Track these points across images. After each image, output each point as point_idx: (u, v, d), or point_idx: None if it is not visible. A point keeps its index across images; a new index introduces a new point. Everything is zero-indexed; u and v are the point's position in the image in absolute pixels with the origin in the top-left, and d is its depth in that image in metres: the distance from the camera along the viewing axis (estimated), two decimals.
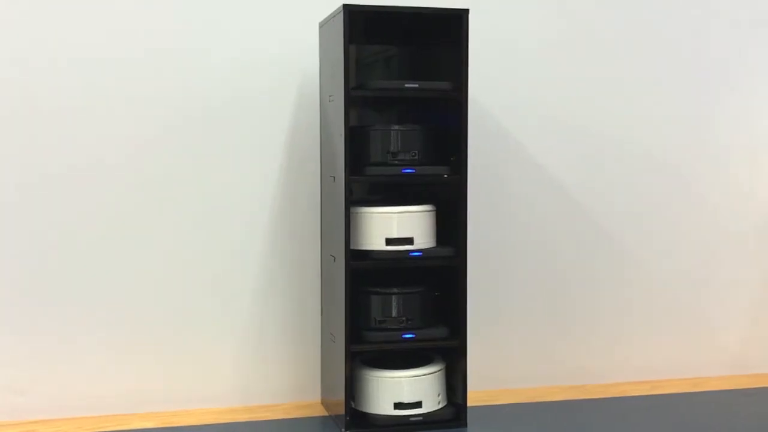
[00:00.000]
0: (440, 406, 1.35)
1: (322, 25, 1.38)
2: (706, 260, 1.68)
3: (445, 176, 1.32)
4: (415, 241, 1.31)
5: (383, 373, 1.33)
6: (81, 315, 1.41)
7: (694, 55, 1.64)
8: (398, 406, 1.32)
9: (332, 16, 1.30)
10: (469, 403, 1.35)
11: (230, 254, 1.46)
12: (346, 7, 1.24)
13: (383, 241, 1.30)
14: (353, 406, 1.33)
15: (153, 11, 1.41)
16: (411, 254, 1.31)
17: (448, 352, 1.37)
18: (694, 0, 1.63)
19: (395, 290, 1.33)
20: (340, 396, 1.31)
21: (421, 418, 1.32)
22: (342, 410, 1.30)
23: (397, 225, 1.31)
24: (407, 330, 1.32)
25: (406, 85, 1.28)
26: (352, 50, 1.26)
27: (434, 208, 1.34)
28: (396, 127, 1.32)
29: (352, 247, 1.29)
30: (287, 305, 1.49)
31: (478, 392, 1.46)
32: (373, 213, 1.30)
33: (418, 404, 1.32)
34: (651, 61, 1.62)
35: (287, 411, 1.44)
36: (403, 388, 1.32)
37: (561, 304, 1.62)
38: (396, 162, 1.31)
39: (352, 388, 1.32)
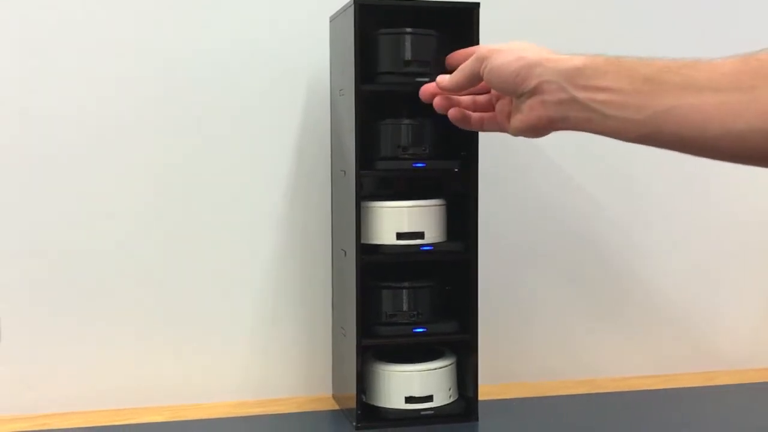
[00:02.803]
0: (451, 400, 1.35)
1: (333, 19, 1.38)
2: (717, 254, 1.67)
3: (456, 170, 1.32)
4: (426, 236, 1.31)
5: (394, 367, 1.33)
6: (92, 308, 1.41)
7: (709, 50, 1.63)
8: (409, 400, 1.32)
9: (343, 9, 1.30)
10: (480, 397, 1.34)
11: (240, 249, 1.46)
12: (357, 1, 1.23)
13: (394, 236, 1.30)
14: (364, 400, 1.33)
15: (158, 6, 1.41)
16: (422, 248, 1.30)
17: (459, 346, 1.37)
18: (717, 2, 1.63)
19: (406, 284, 1.32)
20: (352, 390, 1.31)
21: (432, 412, 1.32)
22: (353, 404, 1.30)
23: (407, 219, 1.30)
24: (418, 324, 1.32)
25: (417, 80, 1.27)
26: (363, 44, 1.26)
27: (445, 203, 1.34)
28: (407, 121, 1.31)
29: (362, 242, 1.29)
30: (298, 299, 1.49)
31: (489, 386, 1.46)
32: (383, 207, 1.30)
33: (429, 398, 1.32)
34: (669, 56, 1.61)
35: (299, 405, 1.44)
36: (414, 382, 1.32)
37: (572, 298, 1.61)
38: (406, 156, 1.31)
39: (363, 382, 1.32)
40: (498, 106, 0.91)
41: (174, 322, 1.44)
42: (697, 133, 0.68)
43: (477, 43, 1.26)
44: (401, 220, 1.30)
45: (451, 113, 0.95)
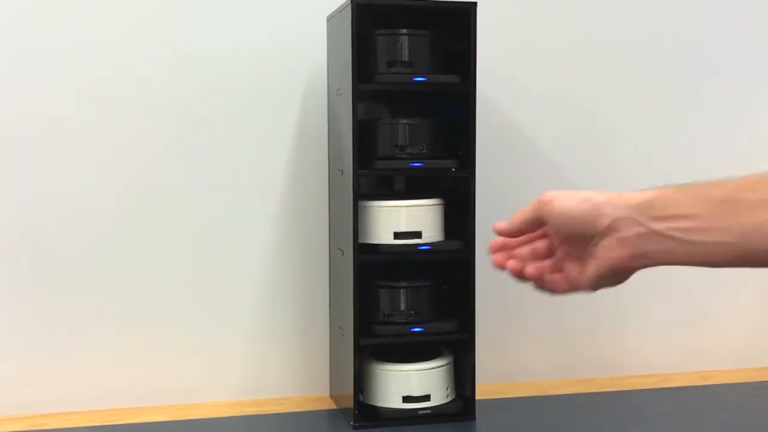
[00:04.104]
0: (449, 399, 1.35)
1: (330, 19, 1.38)
2: None
3: (453, 170, 1.32)
4: (424, 235, 1.31)
5: (392, 367, 1.33)
6: (89, 307, 1.41)
7: (710, 56, 1.63)
8: (407, 399, 1.32)
9: (340, 9, 1.30)
10: (477, 397, 1.35)
11: (238, 248, 1.46)
12: (354, 1, 1.24)
13: (391, 235, 1.30)
14: (362, 399, 1.33)
15: (156, 5, 1.41)
16: (419, 248, 1.30)
17: (457, 345, 1.37)
18: (714, 2, 1.63)
19: (404, 284, 1.33)
20: (349, 389, 1.31)
21: (429, 411, 1.32)
22: (350, 403, 1.31)
23: (405, 218, 1.31)
24: (415, 323, 1.32)
25: (414, 79, 1.27)
26: (360, 44, 1.26)
27: (442, 202, 1.34)
28: (404, 120, 1.31)
29: (360, 241, 1.29)
30: (295, 299, 1.49)
31: (486, 385, 1.46)
32: (381, 207, 1.30)
33: (426, 397, 1.32)
34: (666, 54, 1.61)
35: (296, 404, 1.44)
36: (411, 381, 1.32)
37: (570, 297, 1.61)
38: (404, 156, 1.31)
39: (361, 382, 1.32)
40: (566, 267, 0.85)
41: (172, 321, 1.44)
42: None
43: (474, 42, 1.27)
44: (399, 219, 1.30)
45: (529, 272, 0.88)
